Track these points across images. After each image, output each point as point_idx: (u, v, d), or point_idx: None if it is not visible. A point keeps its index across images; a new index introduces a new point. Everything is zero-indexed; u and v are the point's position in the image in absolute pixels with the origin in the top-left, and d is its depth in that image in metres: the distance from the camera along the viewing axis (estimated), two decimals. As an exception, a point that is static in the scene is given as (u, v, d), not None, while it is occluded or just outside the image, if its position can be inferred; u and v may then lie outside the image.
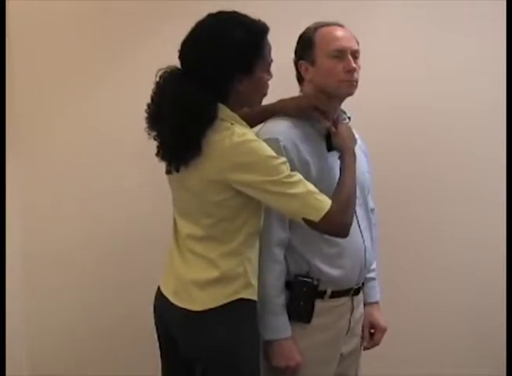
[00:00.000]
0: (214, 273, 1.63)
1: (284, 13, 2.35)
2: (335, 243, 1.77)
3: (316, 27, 1.84)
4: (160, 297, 1.76)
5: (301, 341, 1.76)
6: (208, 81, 1.57)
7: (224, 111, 1.61)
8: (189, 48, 1.62)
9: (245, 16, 1.63)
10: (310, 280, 1.76)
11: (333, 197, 1.61)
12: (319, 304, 1.78)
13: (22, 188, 2.38)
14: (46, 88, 2.38)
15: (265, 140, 1.70)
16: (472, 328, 2.66)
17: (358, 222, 1.84)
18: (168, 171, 1.67)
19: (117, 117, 2.38)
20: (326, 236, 1.73)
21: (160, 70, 1.62)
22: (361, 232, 1.85)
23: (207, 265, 1.64)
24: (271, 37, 1.66)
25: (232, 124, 1.59)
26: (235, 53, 1.58)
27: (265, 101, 1.75)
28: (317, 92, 1.82)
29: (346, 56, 1.79)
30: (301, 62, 1.85)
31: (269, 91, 1.70)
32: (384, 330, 1.99)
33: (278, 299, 1.74)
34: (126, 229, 2.44)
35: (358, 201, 1.85)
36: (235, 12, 1.63)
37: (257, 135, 1.74)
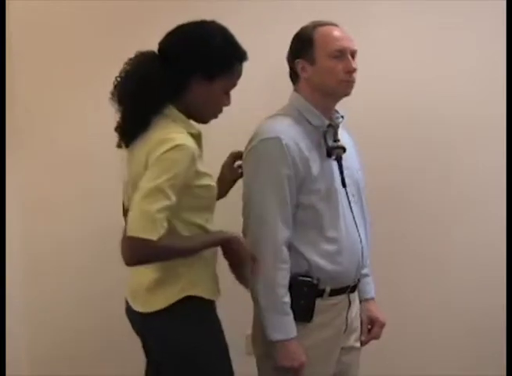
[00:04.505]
0: (155, 274, 1.61)
1: (281, 13, 2.34)
2: (334, 240, 1.78)
3: (314, 25, 1.83)
4: (126, 301, 1.76)
5: (302, 340, 1.76)
6: (171, 68, 1.59)
7: (171, 110, 1.61)
8: (167, 36, 1.66)
9: (233, 36, 1.66)
10: (310, 279, 1.76)
11: (166, 240, 1.49)
12: (318, 303, 1.78)
13: (22, 187, 2.38)
14: (46, 88, 2.38)
15: (267, 139, 1.72)
16: (472, 328, 2.66)
17: (354, 219, 1.84)
18: (118, 145, 1.71)
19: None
20: (327, 234, 1.75)
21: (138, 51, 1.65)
22: (357, 229, 1.85)
23: (150, 266, 1.60)
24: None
25: (173, 121, 1.60)
26: (205, 53, 1.60)
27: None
28: (313, 91, 1.82)
29: (346, 56, 1.79)
30: (298, 60, 1.83)
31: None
32: (382, 325, 1.99)
33: (286, 299, 1.74)
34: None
35: (354, 199, 1.87)
36: (225, 28, 1.66)
37: (257, 133, 1.76)
